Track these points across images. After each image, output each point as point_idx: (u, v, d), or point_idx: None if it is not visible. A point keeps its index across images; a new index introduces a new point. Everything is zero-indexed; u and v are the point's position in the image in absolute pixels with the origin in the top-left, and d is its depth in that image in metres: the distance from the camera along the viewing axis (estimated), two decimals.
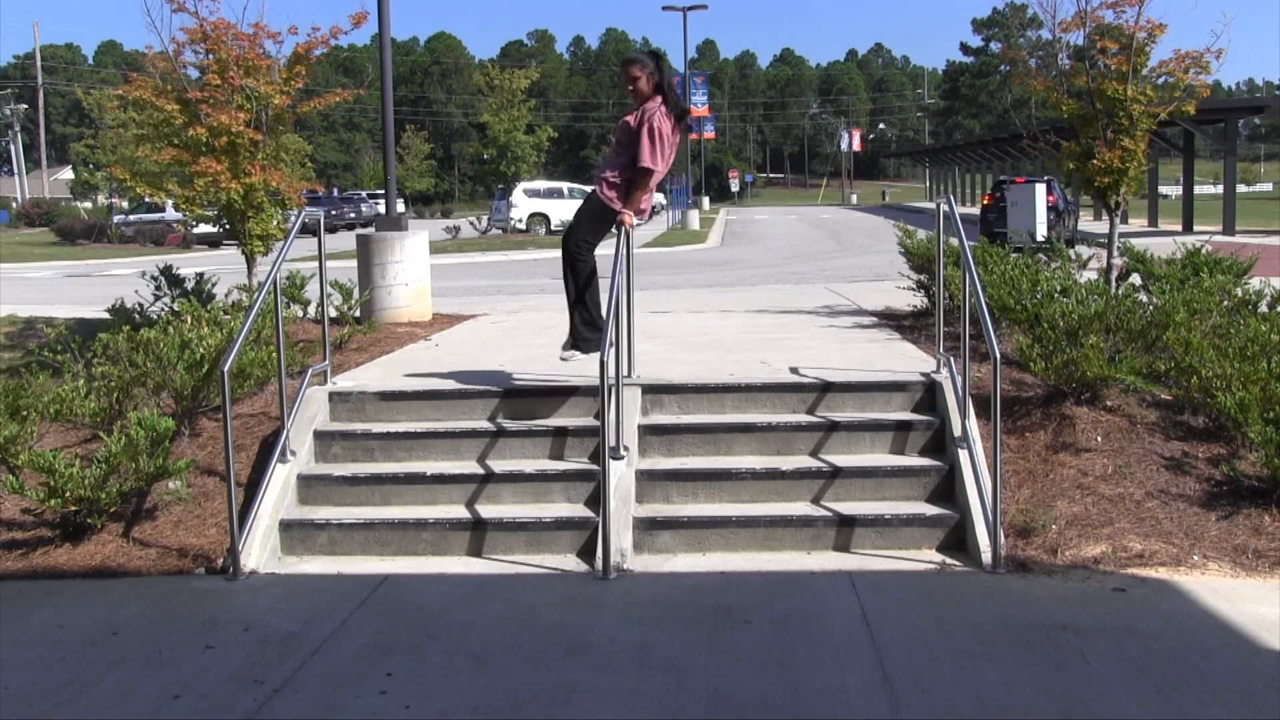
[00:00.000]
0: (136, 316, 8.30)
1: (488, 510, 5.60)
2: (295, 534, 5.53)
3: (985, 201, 28.69)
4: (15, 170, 68.06)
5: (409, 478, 5.79)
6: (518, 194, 38.20)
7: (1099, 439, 5.88)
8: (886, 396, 6.19)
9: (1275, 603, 4.54)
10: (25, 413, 5.69)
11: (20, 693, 3.95)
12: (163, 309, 8.73)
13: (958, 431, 5.71)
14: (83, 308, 12.73)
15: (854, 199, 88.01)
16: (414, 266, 9.95)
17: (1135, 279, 8.45)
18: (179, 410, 6.30)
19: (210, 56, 8.74)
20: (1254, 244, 13.77)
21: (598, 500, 5.34)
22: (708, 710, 3.70)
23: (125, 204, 42.51)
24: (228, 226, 9.06)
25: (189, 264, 18.74)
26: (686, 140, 40.12)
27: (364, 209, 47.12)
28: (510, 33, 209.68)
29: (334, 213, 42.39)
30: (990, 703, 3.70)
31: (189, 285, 9.07)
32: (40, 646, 4.37)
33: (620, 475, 5.52)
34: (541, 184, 41.10)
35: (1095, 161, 8.98)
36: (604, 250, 5.92)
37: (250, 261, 9.17)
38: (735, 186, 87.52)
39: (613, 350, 5.57)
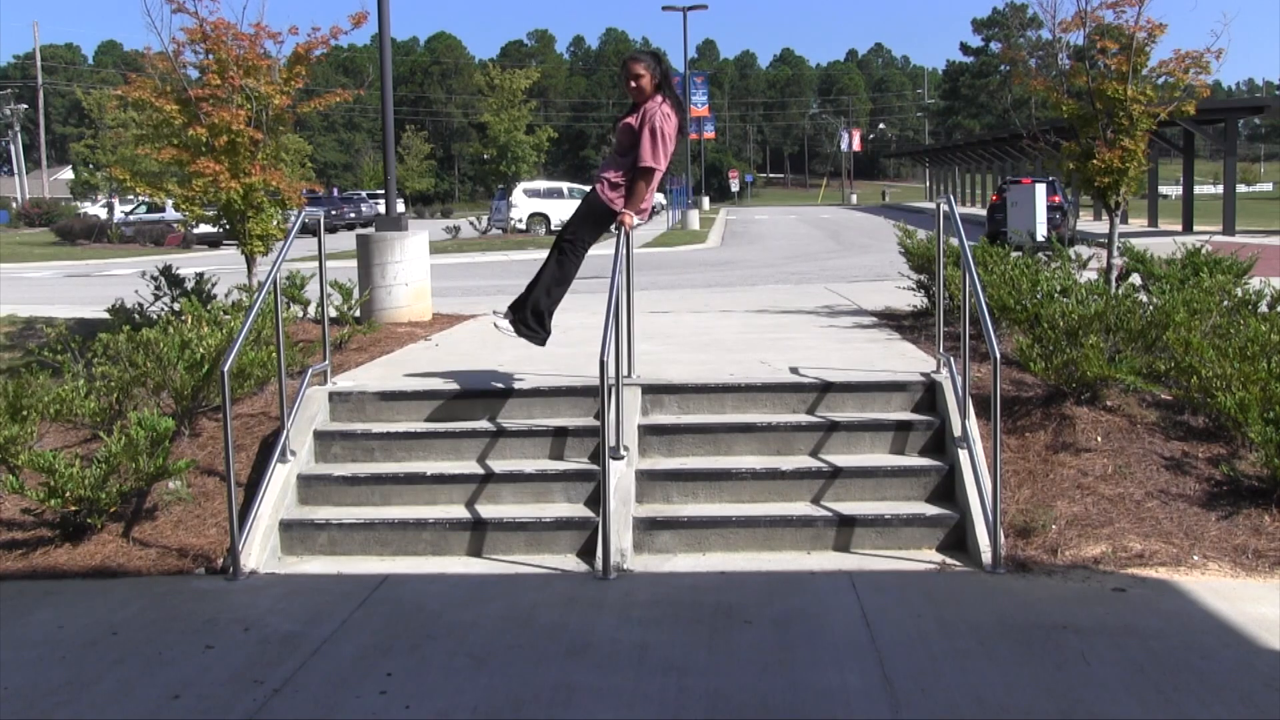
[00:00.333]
0: (136, 316, 8.30)
1: (488, 510, 5.60)
2: (295, 534, 5.53)
3: (994, 200, 28.75)
4: (15, 170, 68.06)
5: (409, 478, 5.79)
6: (518, 194, 38.21)
7: (1099, 439, 5.88)
8: (886, 396, 6.19)
9: (1275, 603, 4.54)
10: (25, 413, 5.69)
11: (20, 693, 3.95)
12: (163, 309, 8.72)
13: (958, 431, 5.71)
14: (83, 308, 12.73)
15: (854, 199, 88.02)
16: (414, 266, 9.95)
17: (1135, 279, 8.45)
18: (179, 410, 6.30)
19: (210, 56, 8.74)
20: (1254, 244, 13.77)
21: (598, 500, 5.34)
22: (708, 710, 3.70)
23: (121, 207, 42.50)
24: (228, 226, 9.06)
25: (189, 264, 18.74)
26: (686, 140, 40.14)
27: (364, 209, 47.13)
28: (510, 33, 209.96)
29: (334, 213, 42.40)
30: (990, 703, 3.70)
31: (189, 285, 9.07)
32: (40, 646, 4.37)
33: (620, 475, 5.52)
34: (541, 184, 41.11)
35: (1095, 161, 8.98)
36: (604, 250, 5.93)
37: (250, 261, 9.17)
38: (735, 186, 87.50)
39: (613, 350, 5.57)
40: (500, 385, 6.40)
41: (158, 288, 9.08)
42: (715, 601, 4.70)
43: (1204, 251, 8.57)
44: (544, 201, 38.58)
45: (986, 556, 5.05)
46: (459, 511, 5.59)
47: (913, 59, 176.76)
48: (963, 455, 5.55)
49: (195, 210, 9.01)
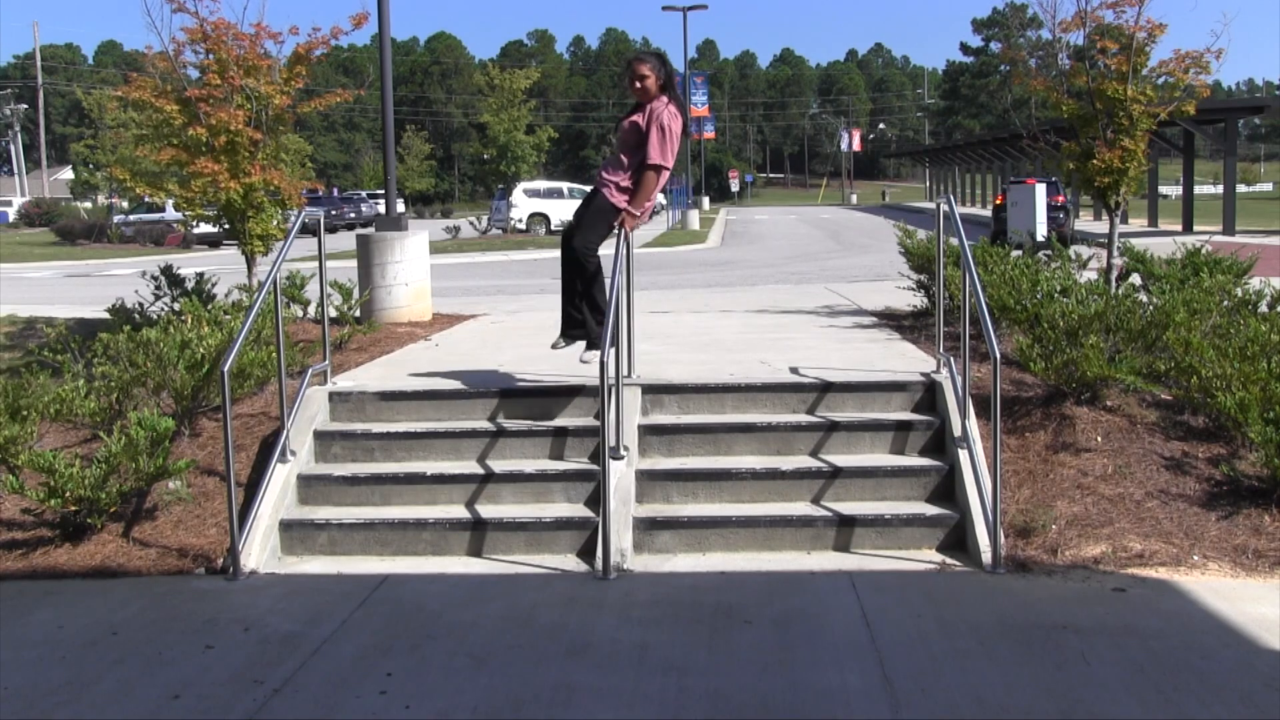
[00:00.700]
0: (137, 316, 8.30)
1: (488, 510, 5.60)
2: (295, 534, 5.53)
3: (999, 200, 28.80)
4: (15, 170, 68.05)
5: (409, 478, 5.79)
6: (518, 194, 38.20)
7: (1099, 439, 5.88)
8: (886, 396, 6.19)
9: (1275, 603, 4.54)
10: (25, 413, 5.69)
11: (20, 693, 3.95)
12: (163, 309, 8.72)
13: (958, 431, 5.71)
14: (83, 308, 12.73)
15: (854, 199, 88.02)
16: (414, 266, 9.95)
17: (1135, 279, 8.45)
18: (179, 410, 6.30)
19: (210, 56, 8.74)
20: (1254, 244, 13.78)
21: (598, 500, 5.34)
22: (708, 710, 3.70)
23: (125, 204, 42.50)
24: (228, 226, 9.06)
25: (189, 264, 18.73)
26: (687, 140, 40.15)
27: (364, 209, 47.12)
28: (510, 33, 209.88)
29: (334, 213, 42.39)
30: (990, 703, 3.70)
31: (189, 285, 9.07)
32: (40, 646, 4.37)
33: (620, 475, 5.52)
34: (541, 184, 41.10)
35: (1095, 161, 8.98)
36: (604, 251, 5.93)
37: (250, 261, 9.17)
38: (735, 186, 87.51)
39: (613, 350, 5.57)
40: (500, 385, 6.40)
41: (158, 288, 9.08)
42: (715, 601, 4.70)
43: (1204, 251, 8.57)
44: (544, 201, 38.58)
45: (986, 556, 5.05)
46: (459, 511, 5.59)
47: (913, 59, 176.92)
48: (963, 455, 5.55)
49: (195, 210, 9.01)
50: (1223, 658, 4.01)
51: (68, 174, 67.80)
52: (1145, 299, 7.00)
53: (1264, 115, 44.60)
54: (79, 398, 5.97)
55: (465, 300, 13.27)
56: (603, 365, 5.16)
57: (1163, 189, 46.19)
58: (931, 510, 5.45)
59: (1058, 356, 6.10)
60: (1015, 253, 8.94)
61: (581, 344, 6.23)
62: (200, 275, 9.39)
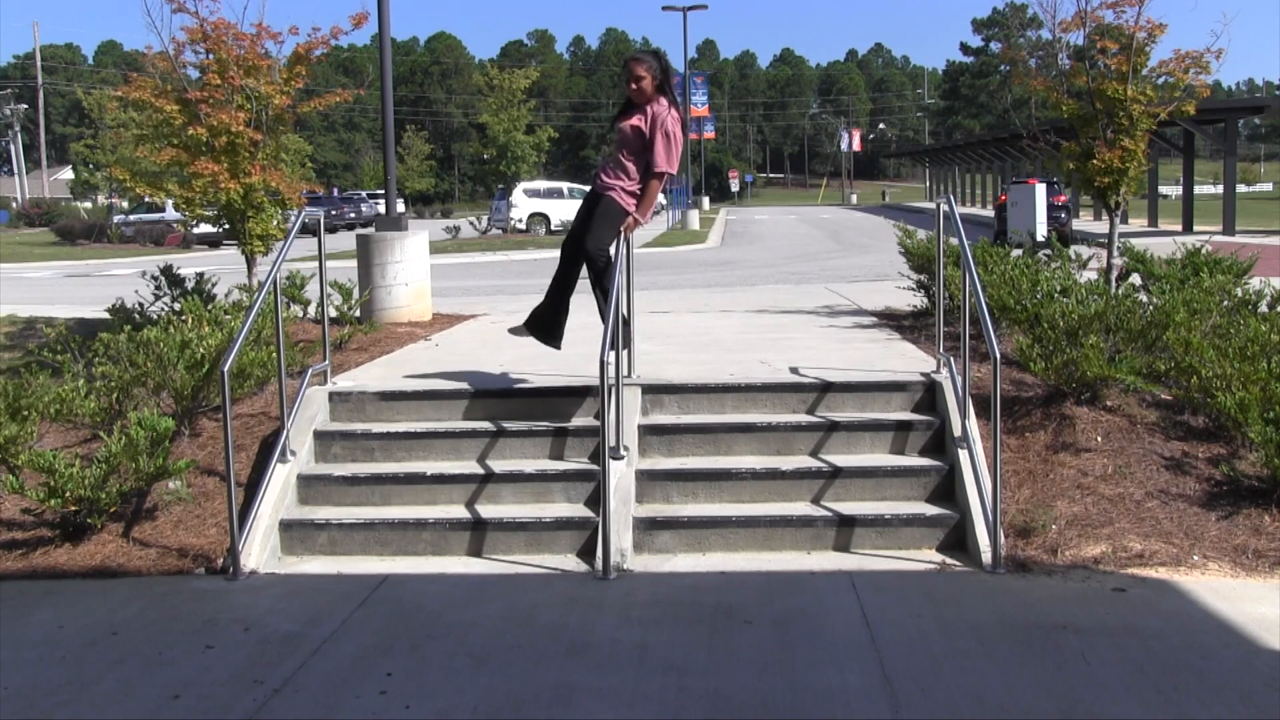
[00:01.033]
0: (137, 316, 8.30)
1: (488, 510, 5.60)
2: (295, 534, 5.53)
3: (1001, 200, 28.86)
4: (15, 170, 68.06)
5: (409, 478, 5.78)
6: (518, 194, 38.19)
7: (1099, 439, 5.88)
8: (886, 396, 6.19)
9: (1275, 603, 4.54)
10: (25, 413, 5.69)
11: (20, 693, 3.95)
12: (163, 309, 8.72)
13: (958, 431, 5.71)
14: (83, 308, 12.73)
15: (854, 199, 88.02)
16: (414, 266, 9.95)
17: (1135, 279, 8.45)
18: (179, 410, 6.30)
19: (210, 56, 8.74)
20: (1254, 244, 13.78)
21: (598, 500, 5.34)
22: (708, 710, 3.70)
23: (125, 204, 42.52)
24: (228, 226, 9.06)
25: (189, 264, 18.72)
26: (687, 141, 40.12)
27: (364, 209, 47.12)
28: (510, 33, 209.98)
29: (334, 213, 42.40)
30: (990, 703, 3.70)
31: (189, 285, 9.07)
32: (40, 646, 4.37)
33: (620, 475, 5.52)
34: (541, 184, 41.09)
35: (1095, 161, 8.98)
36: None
37: (250, 261, 9.17)
38: (735, 186, 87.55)
39: (613, 350, 5.57)
40: (500, 385, 6.40)
41: (158, 288, 9.08)
42: (715, 601, 4.70)
43: (1204, 251, 8.57)
44: (544, 201, 38.57)
45: (986, 556, 5.05)
46: (459, 511, 5.59)
47: (913, 59, 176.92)
48: (963, 455, 5.55)
49: (195, 210, 9.01)
50: (1223, 658, 4.01)
51: (68, 174, 67.83)
52: (1145, 299, 7.00)
53: (1264, 115, 44.59)
54: (79, 398, 5.98)
55: (465, 300, 13.27)
56: (603, 365, 5.16)
57: (1163, 189, 46.20)
58: (931, 510, 5.45)
59: (1058, 356, 6.09)
60: (1015, 252, 8.94)
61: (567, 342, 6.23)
62: (200, 275, 9.39)
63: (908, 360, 7.05)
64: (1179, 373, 6.02)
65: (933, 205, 10.38)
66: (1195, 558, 4.98)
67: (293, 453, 5.84)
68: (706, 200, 64.23)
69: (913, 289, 9.47)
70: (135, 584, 5.15)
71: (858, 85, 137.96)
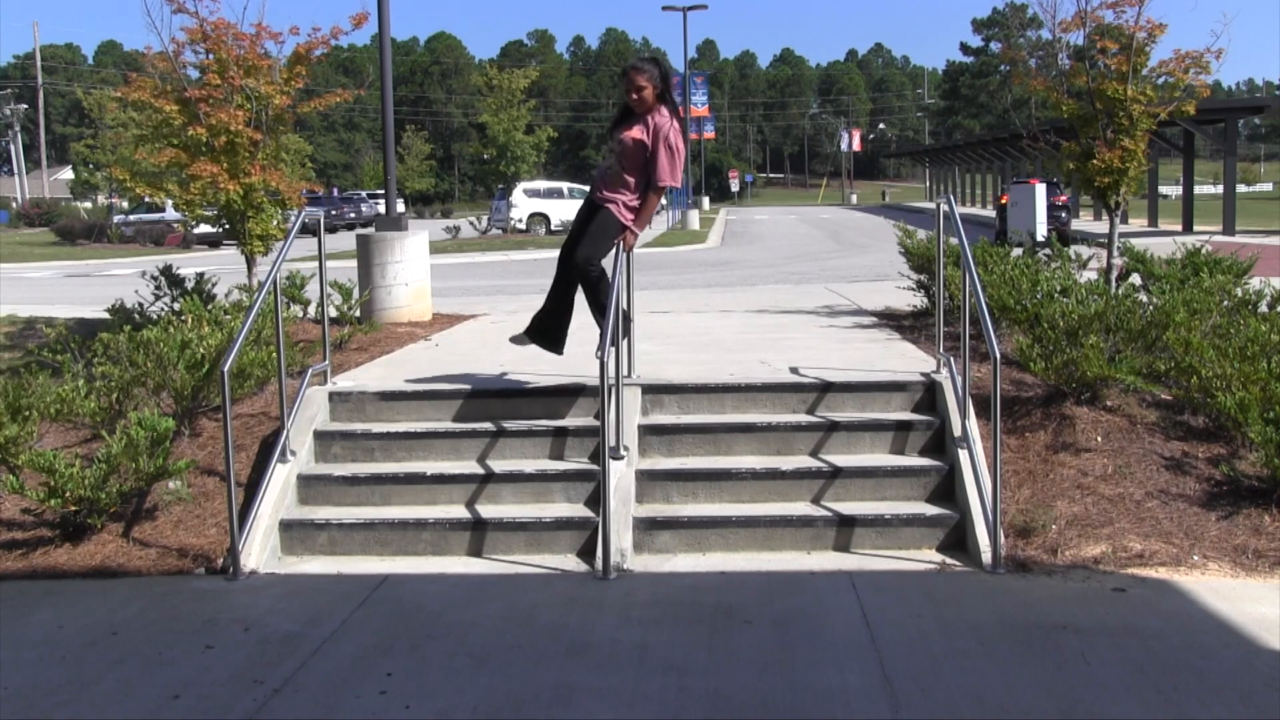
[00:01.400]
0: (137, 316, 8.30)
1: (488, 510, 5.60)
2: (295, 534, 5.53)
3: (1003, 200, 28.89)
4: (15, 170, 68.06)
5: (409, 478, 5.79)
6: (518, 194, 38.20)
7: (1099, 439, 5.88)
8: (886, 396, 6.19)
9: (1275, 603, 4.54)
10: (26, 413, 5.69)
11: (20, 693, 3.95)
12: (163, 309, 8.72)
13: (958, 431, 5.71)
14: (83, 308, 12.73)
15: (854, 199, 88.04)
16: (414, 266, 9.95)
17: (1135, 279, 8.45)
18: (179, 410, 6.30)
19: (210, 56, 8.74)
20: (1254, 244, 13.79)
21: (598, 500, 5.34)
22: (708, 710, 3.70)
23: (125, 204, 42.53)
24: (228, 226, 9.06)
25: (189, 264, 18.73)
26: (686, 141, 40.21)
27: (364, 209, 47.13)
28: (510, 33, 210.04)
29: (334, 213, 42.39)
30: (990, 703, 3.70)
31: (189, 285, 9.07)
32: (40, 646, 4.37)
33: (620, 475, 5.52)
34: (541, 184, 41.09)
35: (1095, 161, 8.98)
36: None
37: (250, 261, 9.17)
38: (735, 186, 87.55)
39: (613, 350, 5.57)
40: (500, 385, 6.40)
41: (158, 288, 9.08)
42: (715, 601, 4.70)
43: (1204, 251, 8.57)
44: (544, 201, 38.57)
45: (986, 556, 5.05)
46: (459, 511, 5.59)
47: (913, 59, 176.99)
48: (963, 455, 5.55)
49: (195, 211, 9.01)
50: (1223, 658, 4.01)
51: (68, 174, 67.81)
52: (1145, 299, 7.00)
53: (1264, 115, 44.59)
54: (79, 398, 5.97)
55: (465, 300, 13.27)
56: (603, 365, 5.16)
57: (1163, 189, 46.19)
58: (931, 510, 5.45)
59: (1058, 356, 6.10)
60: (1015, 252, 8.94)
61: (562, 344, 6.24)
62: (200, 275, 9.39)
63: (908, 360, 7.05)
64: (1179, 373, 6.02)
65: (932, 205, 10.39)
66: (1195, 558, 4.98)
67: (293, 453, 5.84)
68: (706, 200, 64.23)
69: (913, 289, 9.47)
70: (135, 584, 5.15)
71: (858, 85, 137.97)
